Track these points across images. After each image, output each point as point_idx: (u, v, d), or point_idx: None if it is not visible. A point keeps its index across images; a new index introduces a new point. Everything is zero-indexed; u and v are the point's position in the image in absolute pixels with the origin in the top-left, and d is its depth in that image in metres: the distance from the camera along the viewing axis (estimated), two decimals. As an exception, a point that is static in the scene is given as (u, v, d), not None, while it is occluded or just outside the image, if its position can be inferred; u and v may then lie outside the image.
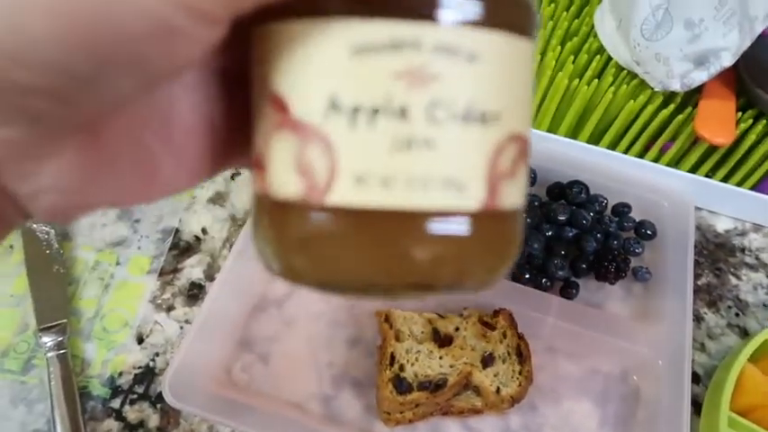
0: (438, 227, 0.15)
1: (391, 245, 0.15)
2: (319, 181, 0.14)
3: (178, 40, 0.13)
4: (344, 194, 0.14)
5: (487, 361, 0.39)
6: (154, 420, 0.39)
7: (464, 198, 0.15)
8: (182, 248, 0.46)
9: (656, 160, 0.51)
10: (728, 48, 0.43)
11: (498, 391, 0.39)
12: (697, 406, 0.43)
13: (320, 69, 0.14)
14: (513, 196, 0.16)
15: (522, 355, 0.40)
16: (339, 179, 0.14)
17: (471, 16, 0.14)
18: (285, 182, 0.15)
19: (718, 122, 0.46)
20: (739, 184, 0.50)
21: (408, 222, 0.15)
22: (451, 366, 0.38)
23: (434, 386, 0.37)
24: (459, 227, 0.15)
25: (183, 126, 0.17)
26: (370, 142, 0.14)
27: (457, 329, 0.41)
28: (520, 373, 0.39)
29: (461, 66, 0.14)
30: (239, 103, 0.18)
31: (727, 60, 0.43)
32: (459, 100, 0.14)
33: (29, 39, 0.12)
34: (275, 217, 0.16)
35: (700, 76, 0.45)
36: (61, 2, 0.11)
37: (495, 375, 0.39)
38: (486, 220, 0.15)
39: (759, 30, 0.41)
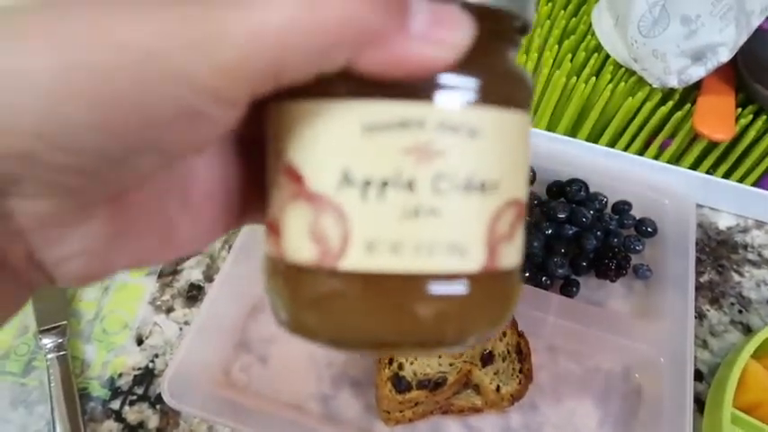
0: (442, 288, 0.16)
1: (399, 306, 0.16)
2: (333, 248, 0.16)
3: (201, 123, 0.14)
4: (356, 260, 0.15)
5: (487, 359, 0.39)
6: (153, 421, 0.39)
7: (466, 261, 0.16)
8: (181, 250, 0.46)
9: (655, 157, 0.50)
10: (725, 43, 0.42)
11: (498, 389, 0.38)
12: (700, 404, 0.42)
13: (333, 145, 0.15)
14: (511, 257, 0.17)
15: (522, 353, 0.40)
16: (351, 246, 0.15)
17: (471, 95, 0.15)
18: (300, 247, 0.16)
19: (717, 118, 0.46)
20: (741, 181, 0.50)
21: (415, 285, 0.16)
22: (451, 365, 0.38)
23: (434, 384, 0.37)
24: (462, 288, 0.16)
25: (200, 190, 0.18)
26: (380, 212, 0.15)
27: (456, 328, 0.41)
28: (520, 371, 0.39)
29: (463, 141, 0.15)
30: (254, 165, 0.19)
31: (725, 56, 0.43)
32: (462, 172, 0.15)
33: (68, 125, 0.12)
34: (289, 279, 0.17)
35: (697, 72, 0.44)
36: (101, 94, 0.12)
37: (494, 374, 0.39)
38: (486, 280, 0.17)
39: (755, 24, 0.41)
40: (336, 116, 0.15)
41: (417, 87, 0.15)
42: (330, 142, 0.15)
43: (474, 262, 0.16)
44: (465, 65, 0.15)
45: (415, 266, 0.15)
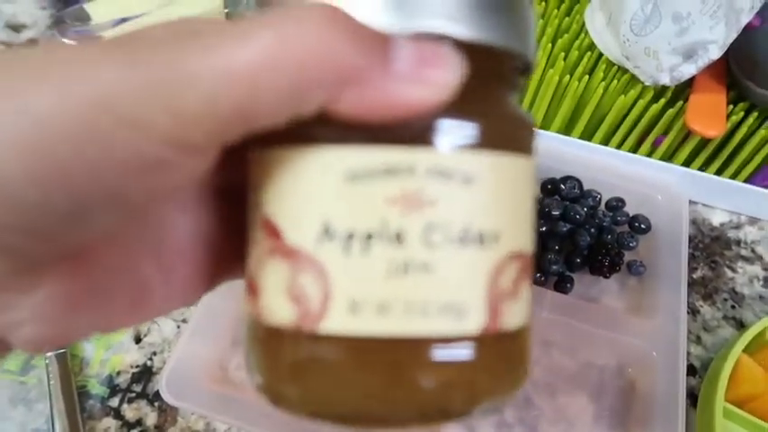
0: (440, 353, 0.14)
1: (391, 374, 0.14)
2: (312, 308, 0.14)
3: (164, 172, 0.12)
4: (339, 322, 0.14)
5: (481, 355, 0.39)
6: (152, 418, 0.39)
7: (464, 322, 0.14)
8: (179, 249, 0.47)
9: (648, 155, 0.51)
10: (716, 40, 0.43)
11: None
12: (693, 398, 0.43)
13: (313, 196, 0.14)
14: (517, 315, 0.15)
15: (516, 348, 0.40)
16: (333, 306, 0.14)
17: (465, 139, 0.14)
18: (277, 308, 0.15)
19: (709, 115, 0.46)
20: (733, 177, 0.50)
21: (408, 350, 0.14)
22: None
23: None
24: (462, 351, 0.15)
25: (176, 248, 0.17)
26: (364, 268, 0.14)
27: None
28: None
29: (457, 189, 0.14)
30: (235, 219, 0.17)
31: (715, 53, 0.43)
32: (456, 223, 0.14)
33: (9, 179, 0.11)
34: (267, 343, 0.16)
35: (688, 70, 0.45)
36: (35, 142, 0.11)
37: (489, 369, 0.39)
38: (491, 342, 0.15)
39: (744, 21, 0.42)
40: (316, 164, 0.14)
41: (405, 131, 0.14)
42: (309, 192, 0.14)
43: (474, 323, 0.14)
44: (457, 106, 0.13)
45: (405, 330, 0.14)
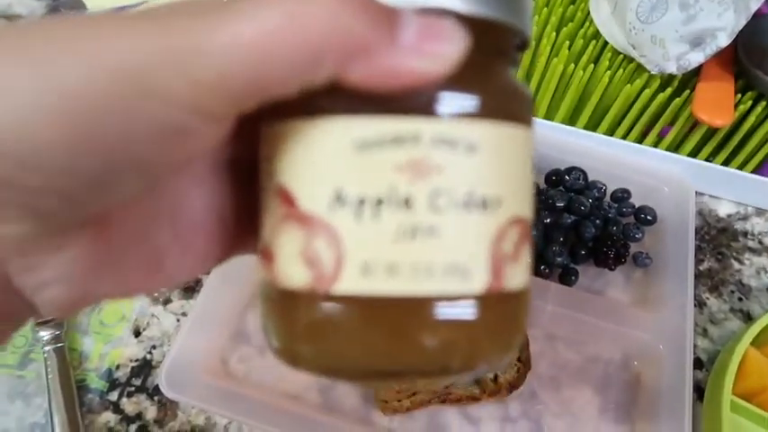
0: (445, 311, 0.15)
1: (399, 331, 0.15)
2: (326, 271, 0.15)
3: (183, 138, 0.13)
4: (351, 283, 0.15)
5: (485, 348, 0.39)
6: (151, 412, 0.39)
7: (468, 283, 0.15)
8: (178, 242, 0.46)
9: (655, 145, 0.50)
10: (724, 28, 0.42)
11: (496, 378, 0.38)
12: (700, 391, 0.42)
13: (325, 164, 0.15)
14: (518, 277, 0.16)
15: (520, 341, 0.40)
16: (346, 269, 0.15)
17: (467, 109, 0.15)
18: (292, 272, 0.16)
19: (716, 104, 0.45)
20: (740, 168, 0.50)
21: (415, 309, 0.15)
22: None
23: (431, 374, 0.37)
24: (466, 310, 0.15)
25: (191, 219, 0.18)
26: (375, 232, 0.15)
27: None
28: (518, 360, 0.39)
29: (461, 156, 0.15)
30: (247, 194, 0.18)
31: (723, 40, 0.42)
32: (461, 188, 0.15)
33: (37, 145, 0.12)
34: (283, 306, 0.16)
35: (696, 58, 0.44)
36: (72, 111, 0.12)
37: (493, 362, 0.39)
38: (493, 302, 0.16)
39: (754, 8, 0.41)
40: (327, 134, 0.15)
41: (411, 102, 0.14)
42: (321, 161, 0.15)
43: (477, 283, 0.15)
44: (460, 78, 0.14)
45: (413, 289, 0.15)
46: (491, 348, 0.16)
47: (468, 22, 0.14)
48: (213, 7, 0.13)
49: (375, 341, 0.15)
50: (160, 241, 0.17)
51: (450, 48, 0.14)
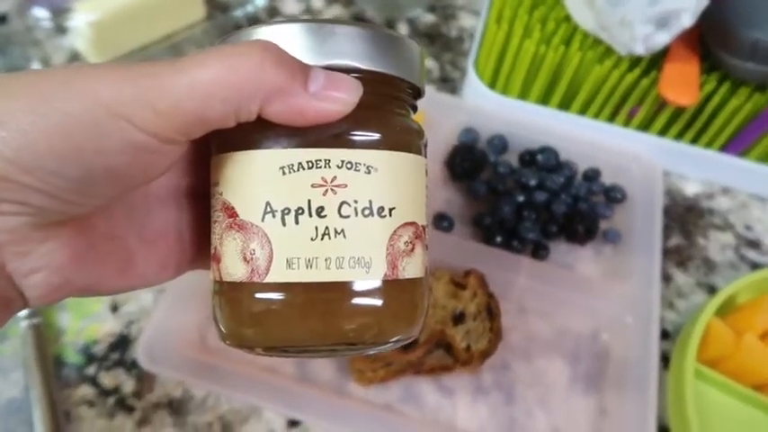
0: (356, 299, 0.19)
1: (316, 313, 0.19)
2: (260, 266, 0.19)
3: (148, 156, 0.18)
4: (279, 275, 0.19)
5: (458, 319, 0.40)
6: (129, 386, 0.39)
7: (371, 273, 0.19)
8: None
9: (625, 124, 0.51)
10: (688, 8, 0.43)
11: (468, 348, 0.39)
12: (666, 361, 0.44)
13: (258, 184, 0.19)
14: (412, 269, 0.21)
15: (492, 312, 0.41)
16: (275, 264, 0.19)
17: (366, 141, 0.20)
18: (234, 268, 0.20)
19: (682, 84, 0.47)
20: (707, 147, 0.51)
21: (329, 294, 0.19)
22: (422, 325, 0.39)
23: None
24: (370, 295, 0.19)
25: (154, 229, 0.22)
26: (297, 235, 0.19)
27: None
28: (490, 330, 0.40)
29: (362, 176, 0.19)
30: (201, 221, 0.23)
31: (687, 20, 0.44)
32: (362, 200, 0.19)
33: (36, 153, 0.16)
34: (228, 297, 0.20)
35: (662, 38, 0.45)
36: (59, 129, 0.16)
37: (465, 333, 0.40)
38: (391, 288, 0.20)
39: (717, -11, 0.42)
40: (259, 162, 0.19)
41: (322, 136, 0.19)
42: (256, 182, 0.19)
43: (377, 273, 0.19)
44: (361, 117, 0.19)
45: (326, 278, 0.19)
46: (396, 325, 0.21)
47: (366, 75, 0.19)
48: (174, 60, 0.17)
49: (300, 322, 0.19)
50: (129, 243, 0.21)
51: (349, 94, 0.18)
